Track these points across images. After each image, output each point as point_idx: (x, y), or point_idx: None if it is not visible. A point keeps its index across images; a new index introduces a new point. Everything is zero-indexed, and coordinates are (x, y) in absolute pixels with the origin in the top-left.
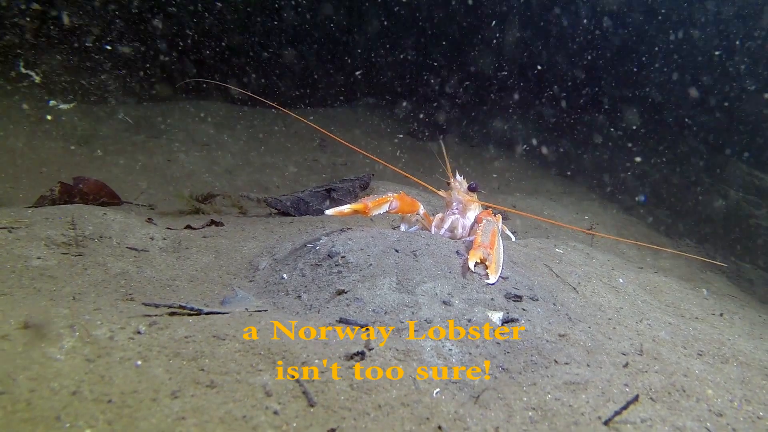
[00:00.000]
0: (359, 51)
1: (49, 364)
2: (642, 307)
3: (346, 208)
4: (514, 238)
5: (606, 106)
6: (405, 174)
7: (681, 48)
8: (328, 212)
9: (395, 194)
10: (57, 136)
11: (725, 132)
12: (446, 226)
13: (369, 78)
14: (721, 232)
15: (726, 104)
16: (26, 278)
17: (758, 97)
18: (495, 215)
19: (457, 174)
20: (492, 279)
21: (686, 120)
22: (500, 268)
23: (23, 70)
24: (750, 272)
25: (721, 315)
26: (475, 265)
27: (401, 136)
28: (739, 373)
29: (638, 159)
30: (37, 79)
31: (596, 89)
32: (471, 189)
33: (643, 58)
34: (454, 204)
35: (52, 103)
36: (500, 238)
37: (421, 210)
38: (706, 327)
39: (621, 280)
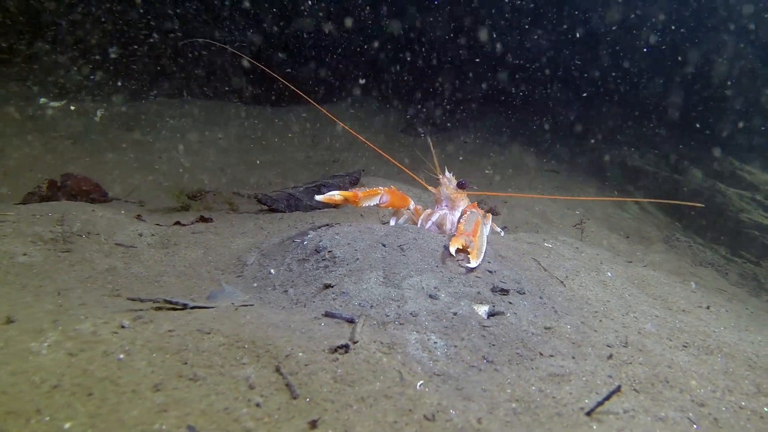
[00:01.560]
0: (351, 47)
1: (31, 358)
2: (629, 300)
3: (336, 194)
4: (503, 234)
5: (597, 101)
6: (398, 165)
7: (670, 42)
8: (318, 198)
9: (386, 188)
10: (47, 133)
11: (717, 127)
12: (433, 219)
13: (362, 74)
14: (711, 225)
15: (717, 100)
16: (12, 274)
17: (748, 93)
18: (486, 214)
19: (447, 171)
20: (473, 263)
21: (677, 115)
22: (482, 254)
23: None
24: (740, 265)
25: (708, 308)
26: (456, 251)
27: (396, 132)
28: (723, 364)
29: (629, 154)
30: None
31: (587, 85)
32: (460, 186)
33: (633, 53)
34: (443, 201)
35: (42, 101)
36: (484, 228)
37: (412, 205)
38: (692, 319)
39: (609, 274)
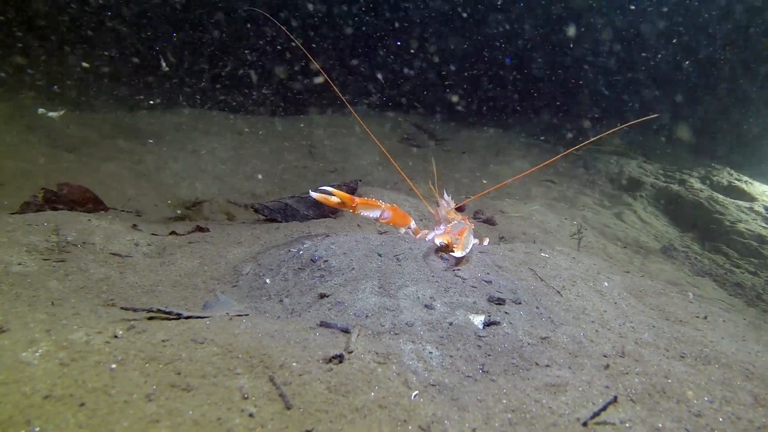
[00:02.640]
0: (351, 58)
1: (22, 368)
2: (626, 310)
3: (331, 191)
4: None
5: (595, 110)
6: (412, 185)
7: (674, 49)
8: (313, 194)
9: (388, 204)
10: (45, 143)
11: (715, 135)
12: (429, 237)
13: (361, 84)
14: (709, 235)
15: (715, 111)
16: (6, 284)
17: (747, 105)
18: (484, 237)
19: (445, 193)
20: (458, 253)
21: (676, 124)
22: (468, 248)
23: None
24: (738, 276)
25: (706, 318)
26: (441, 245)
27: (393, 142)
28: (720, 374)
29: (626, 164)
30: (56, 116)
31: (585, 93)
32: (458, 209)
33: (633, 62)
34: (442, 222)
35: (40, 111)
36: (471, 233)
37: (413, 224)
38: (689, 330)
39: (606, 284)
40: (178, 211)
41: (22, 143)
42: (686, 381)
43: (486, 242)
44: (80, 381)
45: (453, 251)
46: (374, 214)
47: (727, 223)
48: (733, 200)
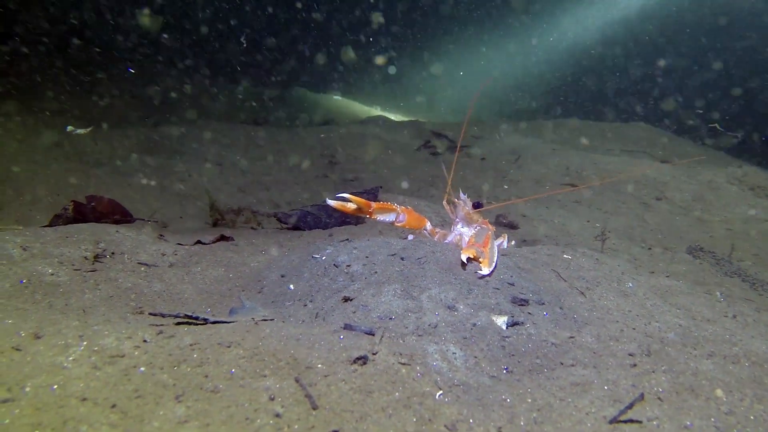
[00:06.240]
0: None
1: (57, 372)
2: (651, 310)
3: (348, 198)
4: (512, 244)
5: (621, 113)
6: (447, 176)
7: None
8: (330, 202)
9: (403, 207)
10: (74, 159)
11: (745, 135)
12: (449, 239)
13: (381, 92)
14: (740, 235)
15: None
16: (39, 294)
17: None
18: (502, 235)
19: (461, 193)
20: (485, 270)
21: (707, 124)
22: (494, 263)
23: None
24: None
25: (734, 317)
26: (468, 260)
27: (411, 150)
28: (750, 372)
29: (653, 166)
30: (83, 131)
31: (612, 98)
32: (475, 207)
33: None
34: (460, 223)
35: (69, 128)
36: (494, 241)
37: (428, 226)
38: (717, 329)
39: (630, 284)
40: (207, 222)
41: (51, 160)
42: (715, 379)
43: (505, 241)
44: (111, 383)
45: (480, 266)
46: (390, 217)
47: (760, 223)
48: (762, 199)
